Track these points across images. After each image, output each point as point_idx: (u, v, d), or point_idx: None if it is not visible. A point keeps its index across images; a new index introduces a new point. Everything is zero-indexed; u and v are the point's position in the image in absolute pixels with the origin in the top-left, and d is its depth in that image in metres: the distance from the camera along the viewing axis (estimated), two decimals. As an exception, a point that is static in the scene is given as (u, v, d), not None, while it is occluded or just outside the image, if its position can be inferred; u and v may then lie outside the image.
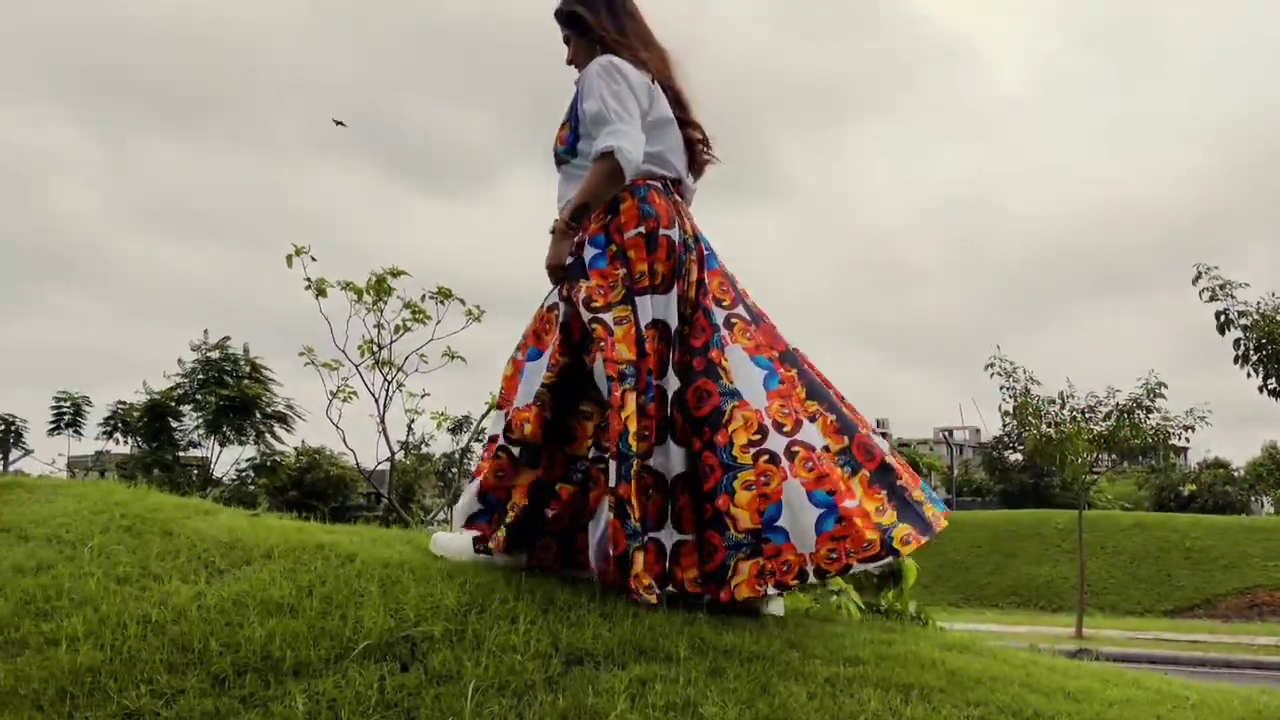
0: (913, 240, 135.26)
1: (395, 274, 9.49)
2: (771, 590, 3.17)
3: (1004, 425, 21.26)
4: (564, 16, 3.68)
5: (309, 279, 9.38)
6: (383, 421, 9.90)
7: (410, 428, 10.24)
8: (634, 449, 3.16)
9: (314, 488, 47.24)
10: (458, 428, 11.87)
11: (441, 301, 9.83)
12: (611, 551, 3.17)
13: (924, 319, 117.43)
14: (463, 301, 9.82)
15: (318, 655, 2.77)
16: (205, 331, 32.36)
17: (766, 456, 3.22)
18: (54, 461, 38.60)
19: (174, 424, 32.70)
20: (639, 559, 3.13)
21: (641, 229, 3.35)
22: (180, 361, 32.25)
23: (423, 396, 9.96)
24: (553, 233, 3.38)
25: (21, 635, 2.91)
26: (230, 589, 3.10)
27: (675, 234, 3.41)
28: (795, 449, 3.25)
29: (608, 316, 3.25)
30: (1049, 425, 19.29)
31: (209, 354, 31.92)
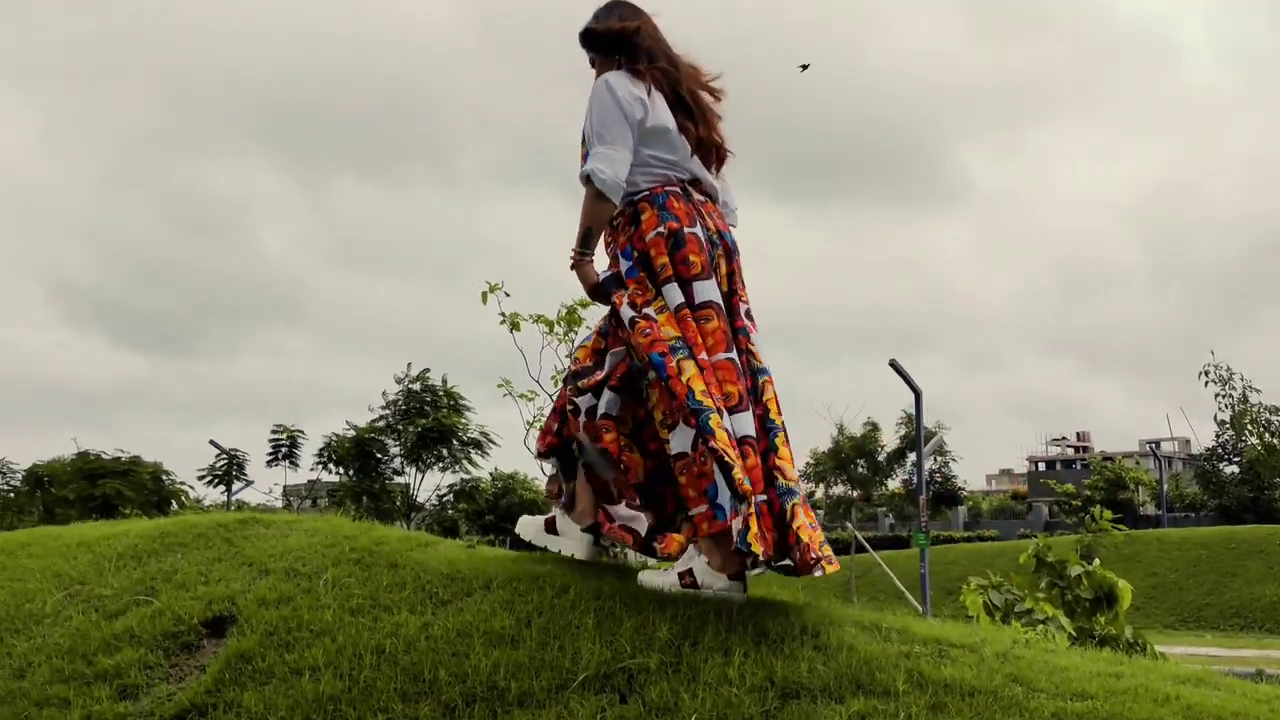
0: (1106, 243, 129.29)
1: (584, 304, 9.72)
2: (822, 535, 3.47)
3: (1219, 435, 20.08)
4: (581, 39, 3.87)
5: (503, 314, 9.70)
6: (577, 449, 10.12)
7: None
8: (705, 405, 3.31)
9: (509, 512, 48.64)
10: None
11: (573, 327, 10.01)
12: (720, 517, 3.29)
13: (1122, 325, 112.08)
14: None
15: (540, 686, 2.87)
16: (408, 364, 33.85)
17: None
18: (270, 491, 40.93)
19: (379, 455, 34.35)
20: (753, 524, 3.27)
21: (662, 229, 3.56)
22: (384, 394, 33.81)
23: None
24: (573, 268, 3.62)
25: (268, 665, 3.12)
26: (454, 620, 3.24)
27: (699, 231, 3.61)
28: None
29: (650, 310, 3.49)
30: (1271, 435, 18.13)
31: (410, 385, 33.42)
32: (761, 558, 3.32)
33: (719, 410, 3.34)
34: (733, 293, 3.68)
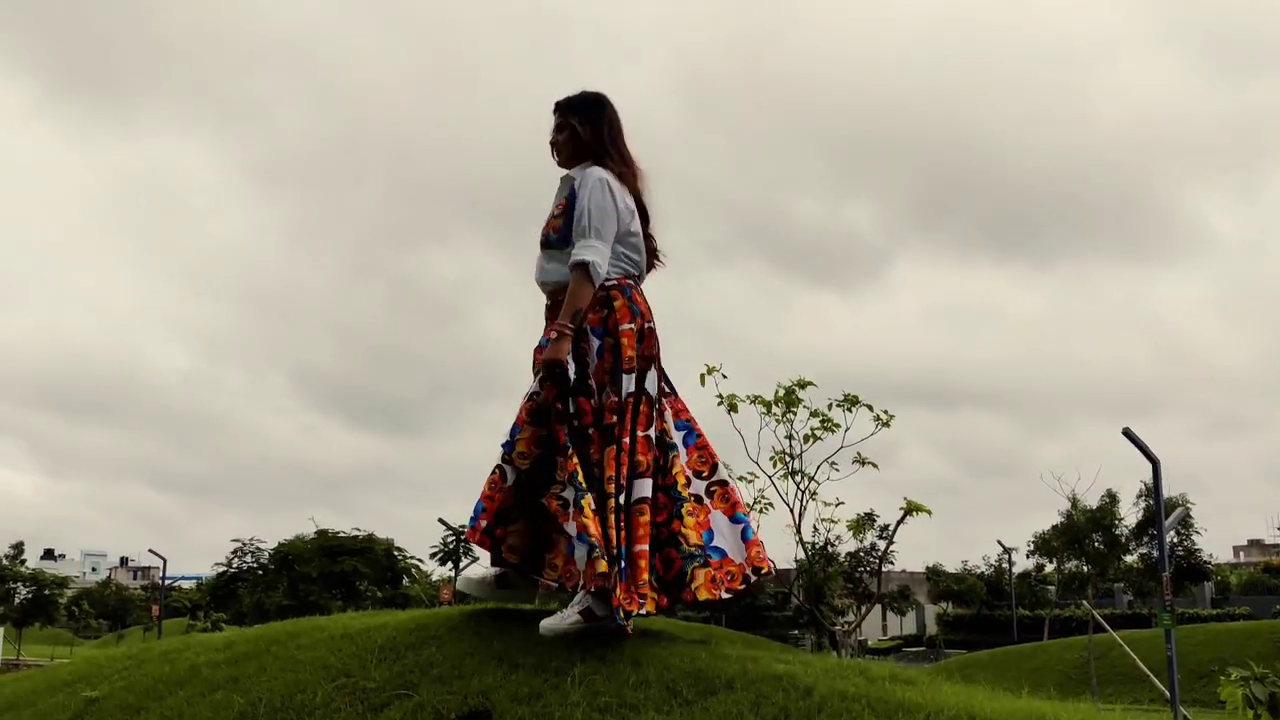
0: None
1: (802, 385, 9.73)
2: (725, 594, 4.15)
3: None
4: (564, 111, 4.42)
5: (720, 395, 9.80)
6: (798, 531, 10.08)
7: (816, 528, 10.33)
8: (609, 491, 3.98)
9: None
10: (860, 526, 11.73)
11: (849, 409, 9.93)
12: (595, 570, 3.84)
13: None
14: (870, 407, 9.87)
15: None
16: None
17: (695, 498, 4.25)
18: (475, 561, 42.14)
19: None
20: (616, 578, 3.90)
21: (633, 325, 4.20)
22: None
23: (837, 505, 10.05)
24: (557, 339, 4.06)
25: (526, 762, 3.22)
26: (701, 721, 3.28)
27: (653, 325, 4.31)
28: (713, 488, 4.31)
29: (602, 398, 4.12)
30: None
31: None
32: (624, 613, 3.92)
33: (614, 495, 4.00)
34: (660, 373, 4.34)
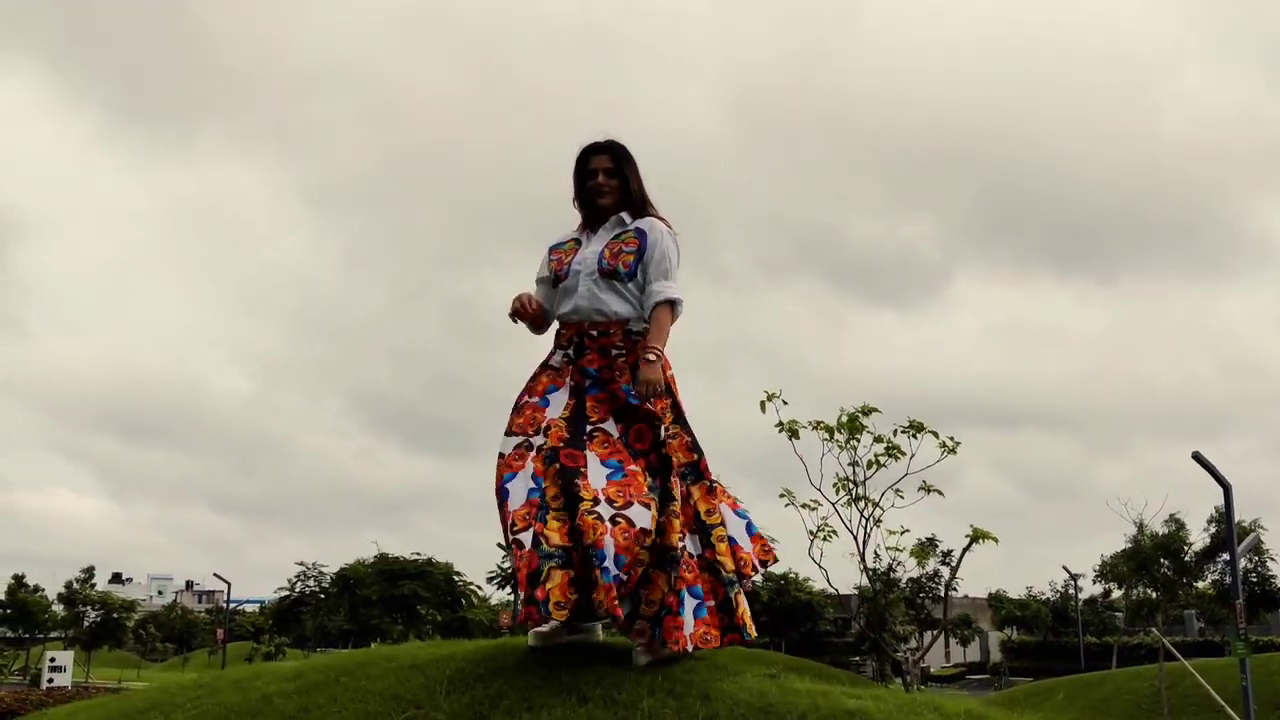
0: None
1: (867, 412, 9.62)
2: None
3: None
4: (619, 158, 4.60)
5: (781, 422, 9.71)
6: (863, 560, 9.95)
7: (878, 554, 10.24)
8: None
9: (784, 612, 48.07)
10: (924, 552, 11.54)
11: (914, 435, 9.81)
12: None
13: None
14: (935, 434, 9.74)
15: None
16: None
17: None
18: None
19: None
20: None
21: (671, 371, 4.47)
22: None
23: (902, 533, 9.92)
24: (650, 361, 4.24)
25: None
26: (773, 758, 3.24)
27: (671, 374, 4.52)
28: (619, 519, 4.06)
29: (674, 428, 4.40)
30: None
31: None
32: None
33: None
34: None
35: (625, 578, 3.93)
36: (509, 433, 4.39)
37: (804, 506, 9.77)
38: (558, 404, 4.43)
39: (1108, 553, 32.29)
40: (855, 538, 9.88)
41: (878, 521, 9.92)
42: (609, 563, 3.88)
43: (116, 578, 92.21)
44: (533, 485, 4.20)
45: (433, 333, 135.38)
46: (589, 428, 4.34)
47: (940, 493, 9.72)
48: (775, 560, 4.53)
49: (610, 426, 4.35)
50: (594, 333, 4.45)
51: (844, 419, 9.78)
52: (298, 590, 47.13)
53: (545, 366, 4.56)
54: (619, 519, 3.98)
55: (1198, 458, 20.56)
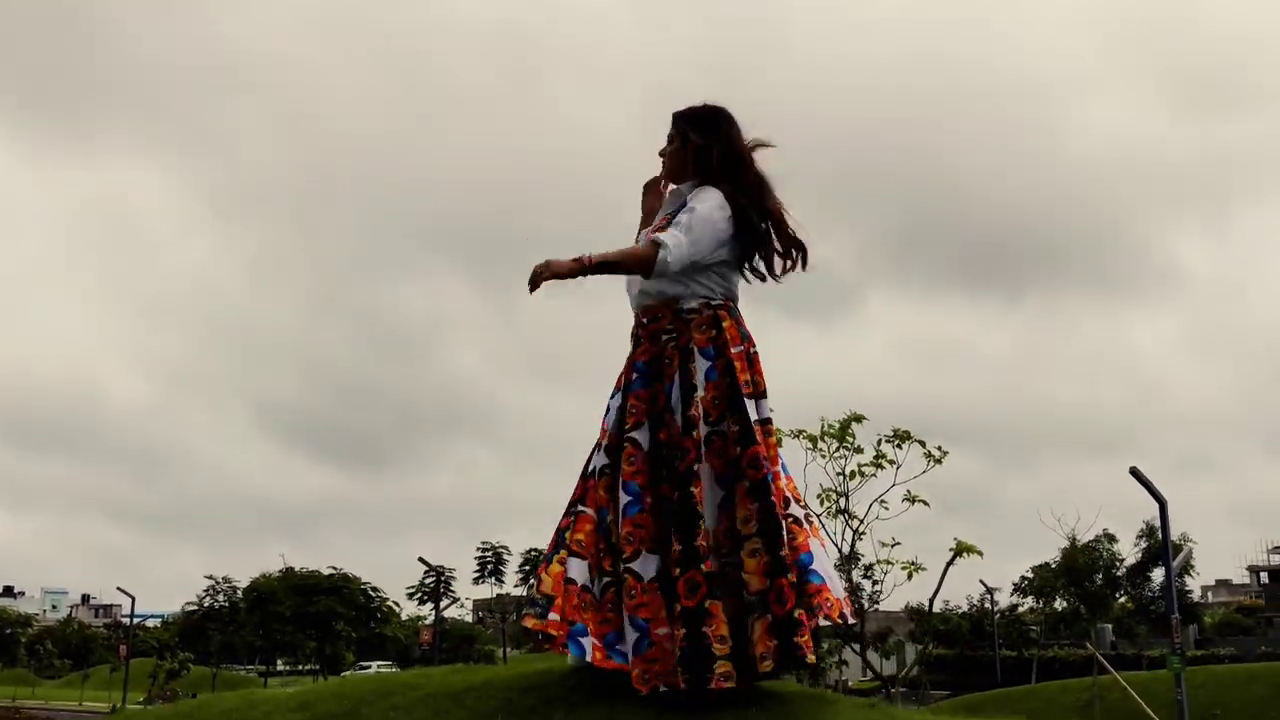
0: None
1: (858, 419, 9.28)
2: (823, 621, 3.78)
3: None
4: (678, 121, 4.07)
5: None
6: (849, 572, 9.60)
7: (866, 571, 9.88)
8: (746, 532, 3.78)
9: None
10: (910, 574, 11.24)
11: (899, 445, 9.50)
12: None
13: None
14: (922, 444, 9.45)
15: None
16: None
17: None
18: (462, 603, 41.31)
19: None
20: None
21: (742, 348, 3.86)
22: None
23: (893, 546, 9.59)
24: (577, 260, 3.66)
25: None
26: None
27: (757, 351, 3.95)
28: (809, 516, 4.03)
29: (723, 426, 3.75)
30: None
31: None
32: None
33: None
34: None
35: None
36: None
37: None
38: (614, 407, 3.98)
39: (1021, 567, 32.70)
40: (840, 550, 9.52)
41: (861, 534, 9.59)
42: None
43: (8, 591, 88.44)
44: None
45: (343, 342, 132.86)
46: (623, 437, 3.88)
47: (926, 503, 9.43)
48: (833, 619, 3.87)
49: (641, 434, 3.83)
50: (645, 320, 3.97)
51: (831, 428, 9.43)
52: (206, 605, 45.40)
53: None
54: (625, 575, 3.70)
55: (1135, 473, 20.68)
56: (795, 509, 3.89)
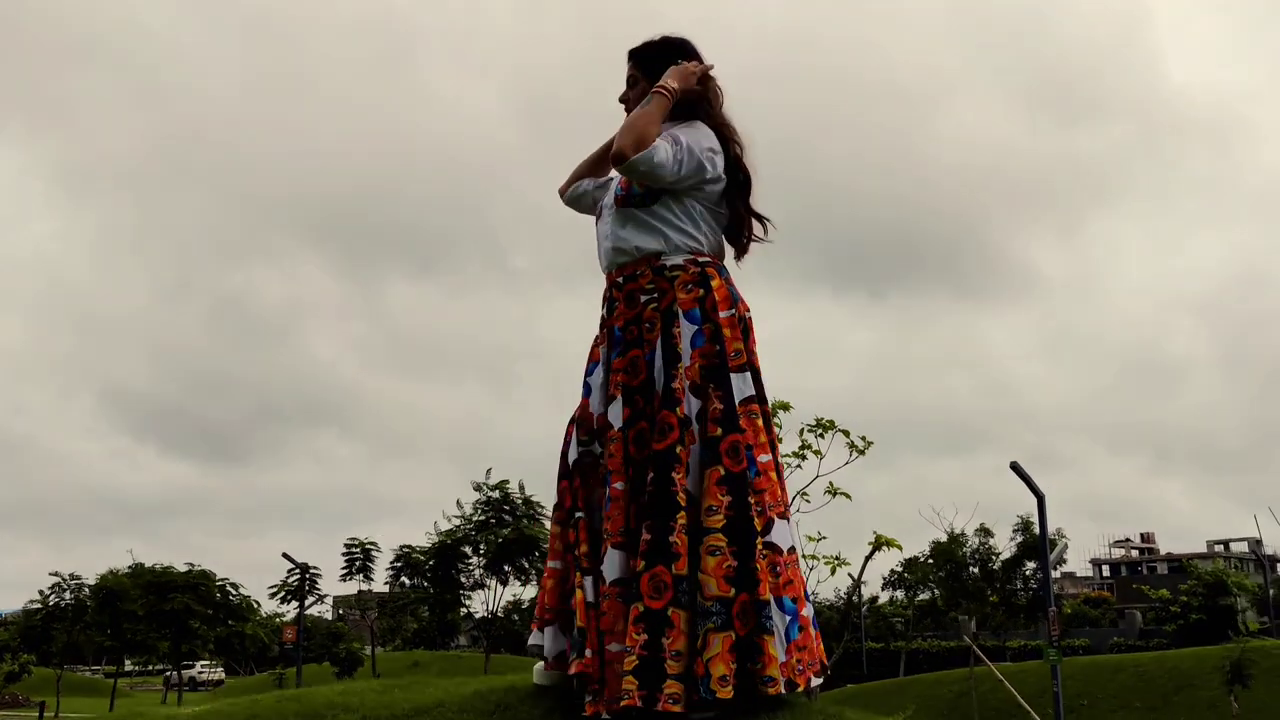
0: (1174, 335, 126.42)
1: (784, 406, 8.87)
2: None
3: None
4: (638, 60, 3.55)
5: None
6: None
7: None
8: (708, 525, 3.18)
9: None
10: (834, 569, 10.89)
11: (821, 435, 9.14)
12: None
13: (1189, 421, 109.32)
14: (846, 433, 9.10)
15: None
16: (488, 471, 33.01)
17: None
18: (323, 598, 39.92)
19: (460, 565, 33.32)
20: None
21: (734, 312, 3.34)
22: (459, 503, 32.83)
23: (819, 540, 9.23)
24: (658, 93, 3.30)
25: None
26: None
27: (750, 317, 3.44)
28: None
29: (706, 403, 3.21)
30: None
31: (490, 494, 32.49)
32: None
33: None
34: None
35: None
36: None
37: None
38: (595, 385, 3.41)
39: (879, 563, 33.22)
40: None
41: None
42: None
43: None
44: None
45: (197, 328, 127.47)
46: (596, 414, 3.35)
47: (848, 495, 9.08)
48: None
49: (614, 412, 3.26)
50: (620, 280, 3.40)
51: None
52: (51, 604, 42.73)
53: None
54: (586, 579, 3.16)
55: (1015, 467, 21.01)
56: (780, 531, 3.23)
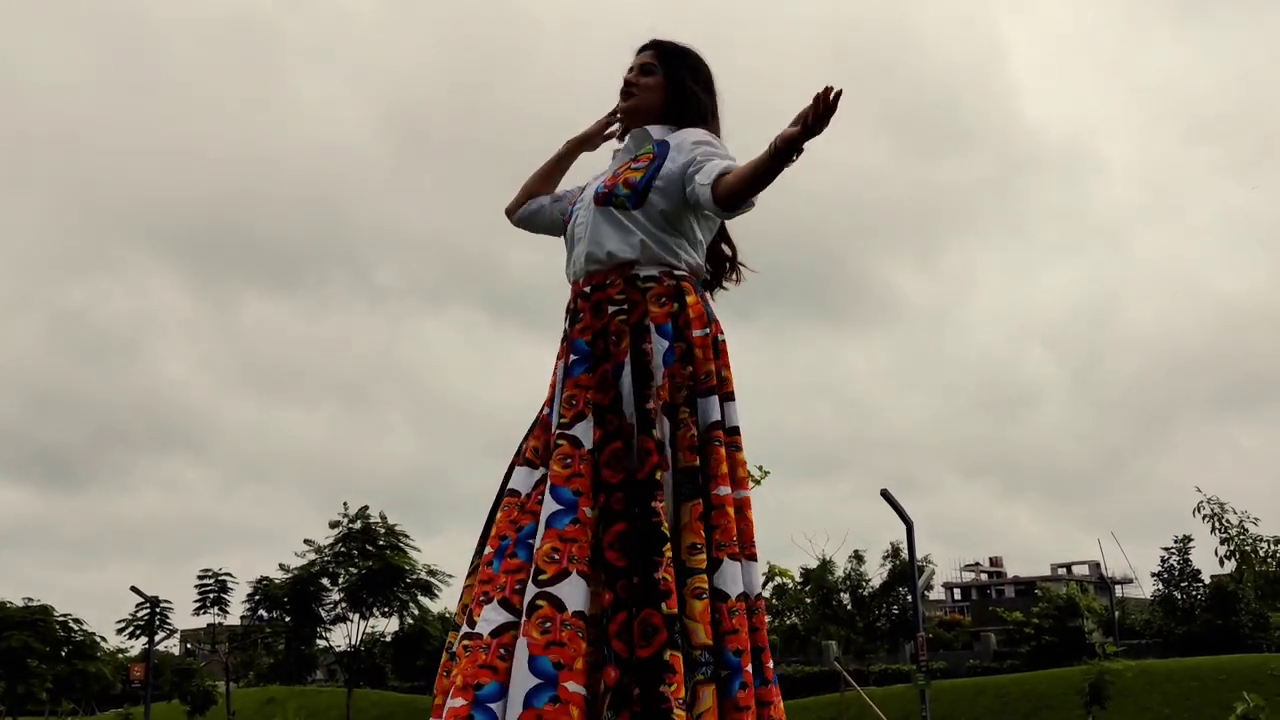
0: (1025, 362, 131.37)
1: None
2: None
3: (1223, 565, 19.64)
4: (668, 58, 3.29)
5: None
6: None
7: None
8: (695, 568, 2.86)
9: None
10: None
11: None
12: None
13: (1037, 447, 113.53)
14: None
15: None
16: (345, 504, 32.03)
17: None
18: (171, 634, 38.17)
19: (319, 597, 32.22)
20: None
21: (706, 332, 3.05)
22: (308, 541, 31.70)
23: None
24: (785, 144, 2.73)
25: None
26: None
27: (724, 339, 3.18)
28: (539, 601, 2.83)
29: (679, 428, 2.91)
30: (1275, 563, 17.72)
31: (350, 525, 31.53)
32: None
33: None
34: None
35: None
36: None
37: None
38: (556, 401, 3.06)
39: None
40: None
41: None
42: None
43: None
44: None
45: (35, 344, 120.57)
46: (556, 433, 3.02)
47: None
48: None
49: (583, 430, 2.95)
50: (587, 289, 3.11)
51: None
52: None
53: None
54: (540, 601, 2.71)
55: (885, 495, 21.48)
56: (729, 573, 2.88)
